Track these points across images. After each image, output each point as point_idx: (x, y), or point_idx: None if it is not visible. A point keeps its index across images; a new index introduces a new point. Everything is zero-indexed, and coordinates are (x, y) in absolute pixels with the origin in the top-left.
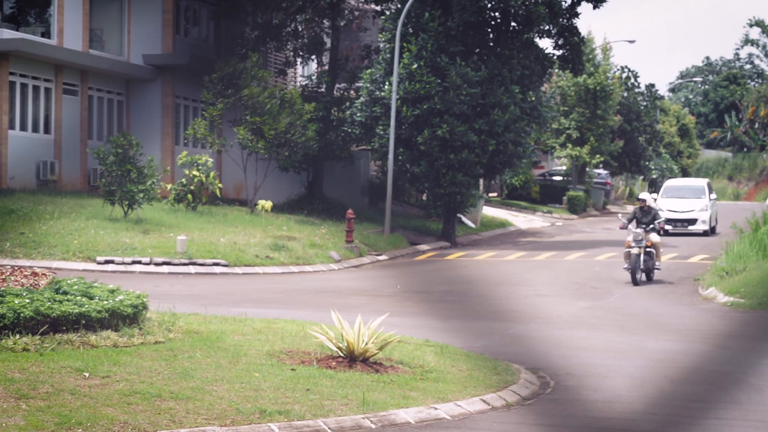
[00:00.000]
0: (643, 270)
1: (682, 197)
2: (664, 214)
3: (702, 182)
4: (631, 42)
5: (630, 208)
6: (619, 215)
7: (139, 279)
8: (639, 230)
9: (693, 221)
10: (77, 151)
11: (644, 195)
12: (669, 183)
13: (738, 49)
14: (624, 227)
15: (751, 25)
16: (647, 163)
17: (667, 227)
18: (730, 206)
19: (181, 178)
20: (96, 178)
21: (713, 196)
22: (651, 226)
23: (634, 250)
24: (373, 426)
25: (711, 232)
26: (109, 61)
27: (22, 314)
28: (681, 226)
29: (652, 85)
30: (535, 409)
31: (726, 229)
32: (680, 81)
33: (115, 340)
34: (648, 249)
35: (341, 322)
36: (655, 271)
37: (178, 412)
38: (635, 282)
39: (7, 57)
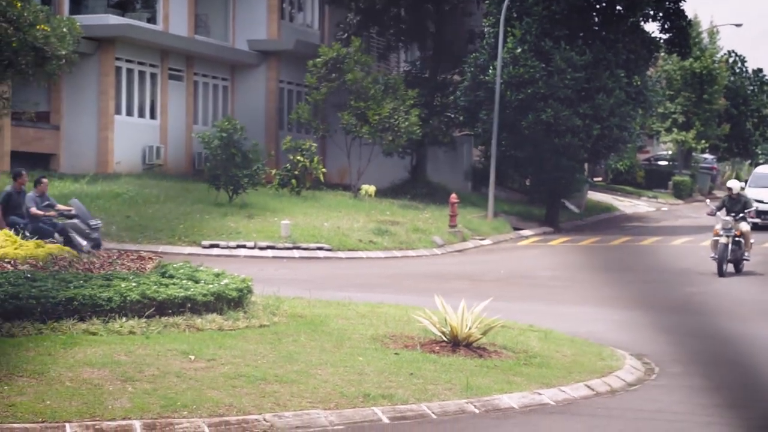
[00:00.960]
0: (730, 260)
1: None
2: None
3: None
4: (738, 26)
5: None
6: (707, 201)
7: (243, 263)
8: (728, 218)
9: None
10: (183, 135)
11: (732, 183)
12: (758, 170)
13: None
14: (712, 214)
15: None
16: (755, 148)
17: (756, 220)
18: None
19: (285, 163)
20: (201, 163)
21: None
22: (741, 214)
23: (723, 240)
24: (477, 410)
25: None
26: (214, 46)
27: (128, 297)
28: None
29: (760, 70)
30: (640, 395)
31: None
32: None
33: (220, 323)
34: (737, 238)
35: (444, 306)
36: (744, 262)
37: (283, 395)
38: (721, 273)
39: (113, 43)
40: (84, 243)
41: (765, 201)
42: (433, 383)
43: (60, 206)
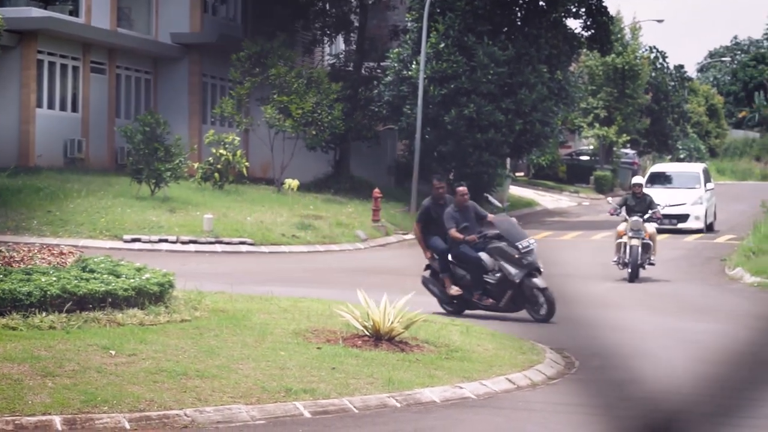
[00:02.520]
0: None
1: (671, 187)
2: None
3: (696, 168)
4: (660, 21)
5: None
6: (608, 199)
7: (165, 257)
8: (637, 218)
9: (684, 217)
10: (104, 129)
11: (639, 179)
12: (656, 169)
13: None
14: (615, 213)
15: None
16: (675, 143)
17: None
18: (759, 186)
19: (208, 156)
20: (123, 157)
21: (710, 185)
22: (648, 215)
23: (634, 242)
24: (398, 405)
25: (707, 229)
26: (137, 39)
27: (48, 292)
28: (669, 223)
29: (681, 66)
30: (561, 389)
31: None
32: (709, 61)
33: (141, 318)
34: (645, 241)
35: (367, 301)
36: (648, 266)
37: (204, 390)
38: (634, 277)
39: (35, 35)
40: (514, 272)
41: (663, 204)
42: (355, 377)
43: (491, 216)
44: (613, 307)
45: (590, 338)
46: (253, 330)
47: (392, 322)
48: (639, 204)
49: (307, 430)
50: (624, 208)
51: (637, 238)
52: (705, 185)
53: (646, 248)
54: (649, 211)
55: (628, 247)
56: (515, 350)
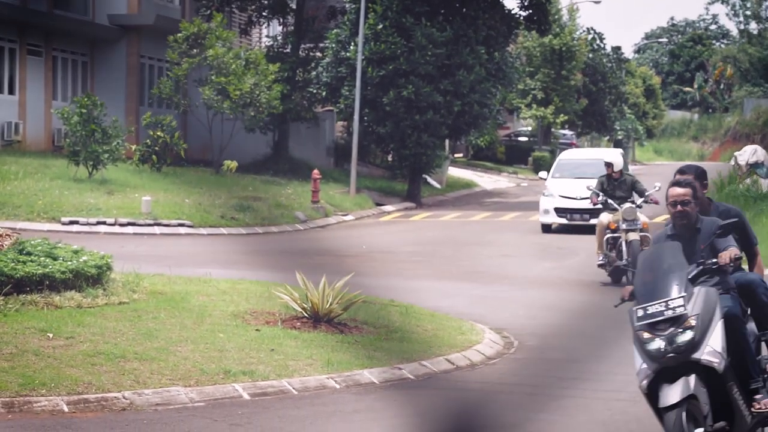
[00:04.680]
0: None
1: (580, 177)
2: (554, 202)
3: (611, 155)
4: (597, 2)
5: None
6: (588, 186)
7: (103, 240)
8: (631, 205)
9: (597, 211)
10: (42, 111)
11: (614, 157)
12: (564, 157)
13: (709, 3)
14: (600, 202)
15: None
16: (612, 123)
17: (561, 220)
18: None
19: (146, 138)
20: (60, 139)
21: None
22: (641, 201)
23: (633, 236)
24: (338, 386)
25: None
26: (74, 21)
27: None
28: (580, 218)
29: (618, 48)
30: (499, 369)
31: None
32: (645, 42)
33: (79, 300)
34: (644, 233)
35: (306, 282)
36: None
37: (143, 372)
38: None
39: None
40: (637, 365)
41: (572, 196)
42: (294, 359)
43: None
44: (552, 287)
45: (529, 318)
46: (192, 312)
47: (331, 304)
48: (619, 188)
49: (246, 411)
50: (601, 195)
51: (635, 230)
52: None
53: (644, 243)
54: (637, 198)
55: (625, 243)
56: (454, 330)
